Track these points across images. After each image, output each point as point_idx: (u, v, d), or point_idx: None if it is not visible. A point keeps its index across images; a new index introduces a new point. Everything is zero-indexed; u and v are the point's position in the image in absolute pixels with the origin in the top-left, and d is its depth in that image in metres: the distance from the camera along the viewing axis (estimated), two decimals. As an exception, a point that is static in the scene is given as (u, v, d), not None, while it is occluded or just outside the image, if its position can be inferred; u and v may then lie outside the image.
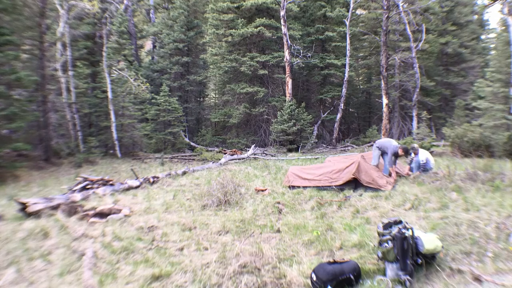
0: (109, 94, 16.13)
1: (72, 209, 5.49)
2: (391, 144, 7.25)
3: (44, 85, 13.25)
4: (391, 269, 3.20)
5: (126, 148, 17.35)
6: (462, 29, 24.34)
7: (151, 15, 27.76)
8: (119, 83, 16.81)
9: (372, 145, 19.38)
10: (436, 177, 6.85)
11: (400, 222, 3.43)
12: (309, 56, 20.56)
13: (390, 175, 7.13)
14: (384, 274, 3.27)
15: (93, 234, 4.56)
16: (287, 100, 19.27)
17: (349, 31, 20.58)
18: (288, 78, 19.21)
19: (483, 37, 30.05)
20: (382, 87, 13.64)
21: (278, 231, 4.91)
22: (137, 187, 8.26)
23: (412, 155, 7.74)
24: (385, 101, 13.14)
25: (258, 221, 5.42)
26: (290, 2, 19.91)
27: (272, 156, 16.03)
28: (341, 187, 6.98)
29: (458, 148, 12.70)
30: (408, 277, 3.09)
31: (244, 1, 20.44)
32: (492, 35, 30.01)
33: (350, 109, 29.31)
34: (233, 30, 20.36)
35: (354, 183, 6.91)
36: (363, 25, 23.82)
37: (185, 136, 21.87)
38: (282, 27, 19.02)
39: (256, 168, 11.49)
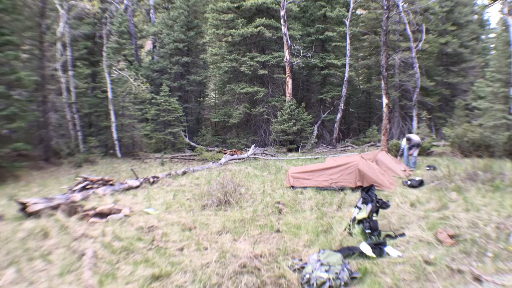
0: (109, 94, 16.13)
1: (72, 209, 5.48)
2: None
3: (44, 85, 13.25)
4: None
5: (126, 148, 17.35)
6: (462, 29, 24.32)
7: (151, 15, 27.74)
8: (119, 83, 16.81)
9: (372, 145, 19.43)
10: (436, 177, 6.86)
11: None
12: (309, 56, 20.55)
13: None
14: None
15: (93, 234, 4.56)
16: (287, 100, 19.27)
17: (349, 31, 20.58)
18: (288, 78, 19.21)
19: (483, 37, 30.05)
20: (382, 87, 13.62)
21: (278, 231, 4.91)
22: (137, 187, 8.26)
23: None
24: (385, 101, 13.13)
25: (258, 221, 5.42)
26: (290, 2, 19.91)
27: (272, 156, 16.03)
28: (342, 187, 6.99)
29: (458, 148, 12.70)
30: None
31: (244, 1, 20.44)
32: (492, 35, 30.03)
33: (350, 109, 29.31)
34: (233, 30, 20.36)
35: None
36: (363, 25, 23.80)
37: (185, 136, 21.86)
38: (282, 27, 19.02)
39: (256, 168, 11.49)
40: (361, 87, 30.38)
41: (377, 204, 4.49)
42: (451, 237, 3.85)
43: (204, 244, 4.38)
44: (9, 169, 10.57)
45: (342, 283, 3.15)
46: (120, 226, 5.05)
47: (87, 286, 3.20)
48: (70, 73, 15.26)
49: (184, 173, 10.46)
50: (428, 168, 9.33)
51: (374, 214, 4.40)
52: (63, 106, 15.16)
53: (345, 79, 21.02)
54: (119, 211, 5.62)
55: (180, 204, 6.61)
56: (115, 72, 16.48)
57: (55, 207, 5.53)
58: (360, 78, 31.40)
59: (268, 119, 21.54)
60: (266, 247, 4.15)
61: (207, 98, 30.46)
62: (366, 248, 3.78)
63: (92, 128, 17.23)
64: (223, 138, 22.62)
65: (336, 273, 3.19)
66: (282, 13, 18.76)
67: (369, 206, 4.38)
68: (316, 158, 13.91)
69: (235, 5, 21.05)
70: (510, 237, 3.57)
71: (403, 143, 10.19)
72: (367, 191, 4.54)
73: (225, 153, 17.41)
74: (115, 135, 16.35)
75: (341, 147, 20.20)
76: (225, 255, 3.86)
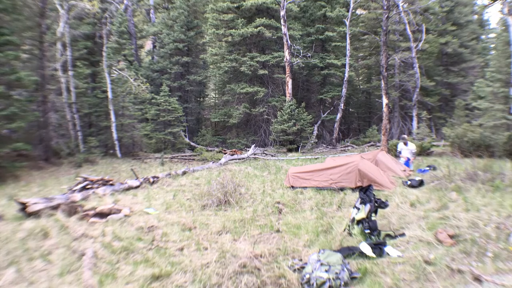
0: (109, 94, 16.13)
1: (72, 209, 5.48)
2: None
3: (44, 85, 13.25)
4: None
5: (126, 148, 17.35)
6: (462, 29, 24.32)
7: (151, 15, 27.75)
8: (119, 83, 16.81)
9: (372, 145, 19.45)
10: (436, 177, 6.86)
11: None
12: (309, 56, 20.55)
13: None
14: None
15: (93, 234, 4.55)
16: (287, 100, 19.27)
17: (349, 31, 20.58)
18: (288, 78, 19.21)
19: (483, 37, 30.05)
20: (382, 87, 13.62)
21: (278, 231, 4.91)
22: (137, 187, 8.26)
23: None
24: (385, 101, 13.13)
25: (258, 221, 5.42)
26: (290, 2, 19.91)
27: (272, 156, 16.03)
28: (342, 187, 6.99)
29: (458, 148, 12.70)
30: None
31: (244, 1, 20.44)
32: (492, 35, 30.03)
33: (350, 109, 29.32)
34: (233, 30, 20.36)
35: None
36: (363, 25, 23.80)
37: (185, 136, 21.86)
38: (282, 27, 19.02)
39: (256, 168, 11.49)
40: (361, 87, 30.38)
41: (376, 204, 4.49)
42: (451, 237, 3.85)
43: (204, 244, 4.38)
44: (9, 169, 10.56)
45: (342, 283, 3.16)
46: (120, 226, 5.04)
47: (87, 286, 3.20)
48: (70, 73, 15.25)
49: (184, 173, 10.46)
50: (428, 168, 9.33)
51: (373, 214, 4.40)
52: (63, 106, 15.15)
53: (345, 79, 21.02)
54: (119, 211, 5.62)
55: (180, 204, 6.61)
56: (115, 72, 16.48)
57: (55, 207, 5.53)
58: (360, 78, 31.41)
59: (268, 119, 21.54)
60: (266, 247, 4.15)
61: (207, 98, 30.47)
62: (366, 248, 3.78)
63: (92, 128, 17.23)
64: (223, 138, 22.63)
65: (336, 273, 3.19)
66: (282, 13, 18.76)
67: (368, 206, 4.38)
68: (316, 158, 13.91)
69: (235, 5, 21.05)
70: (510, 237, 3.57)
71: (401, 146, 10.21)
72: (365, 191, 4.53)
73: (225, 153, 17.41)
74: (115, 135, 16.35)
75: (341, 147, 20.20)
76: (225, 255, 3.86)
